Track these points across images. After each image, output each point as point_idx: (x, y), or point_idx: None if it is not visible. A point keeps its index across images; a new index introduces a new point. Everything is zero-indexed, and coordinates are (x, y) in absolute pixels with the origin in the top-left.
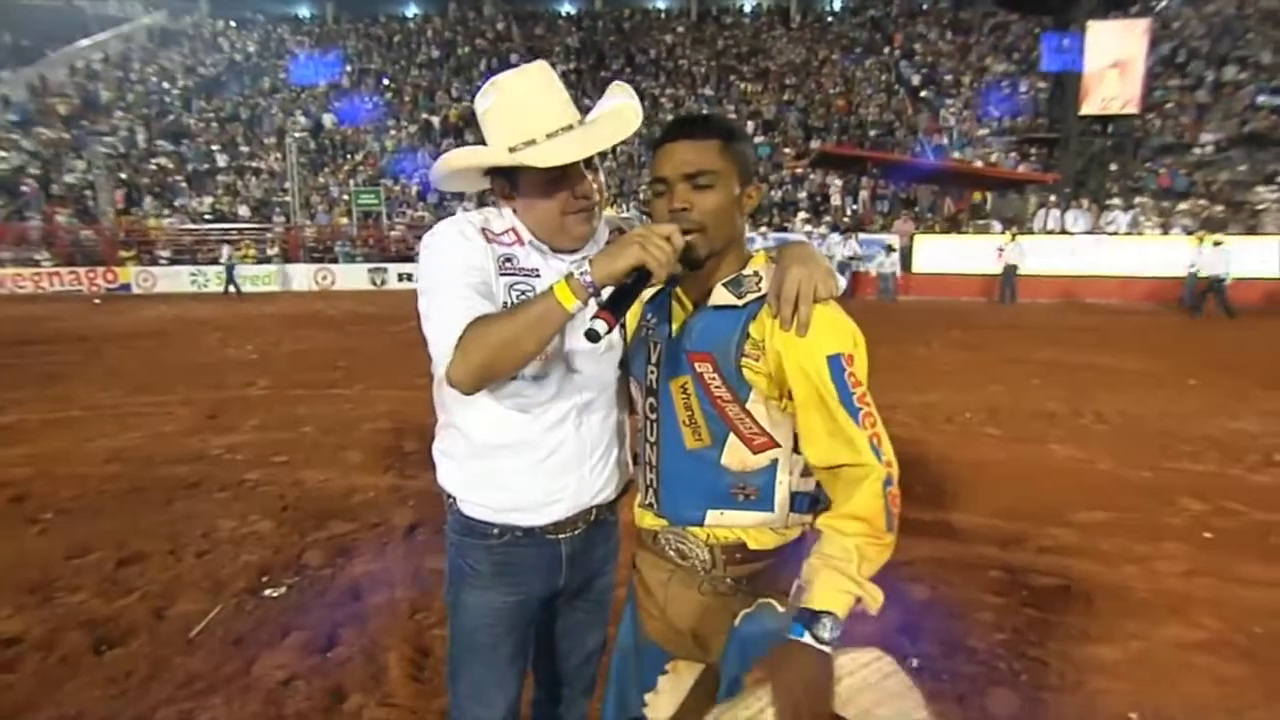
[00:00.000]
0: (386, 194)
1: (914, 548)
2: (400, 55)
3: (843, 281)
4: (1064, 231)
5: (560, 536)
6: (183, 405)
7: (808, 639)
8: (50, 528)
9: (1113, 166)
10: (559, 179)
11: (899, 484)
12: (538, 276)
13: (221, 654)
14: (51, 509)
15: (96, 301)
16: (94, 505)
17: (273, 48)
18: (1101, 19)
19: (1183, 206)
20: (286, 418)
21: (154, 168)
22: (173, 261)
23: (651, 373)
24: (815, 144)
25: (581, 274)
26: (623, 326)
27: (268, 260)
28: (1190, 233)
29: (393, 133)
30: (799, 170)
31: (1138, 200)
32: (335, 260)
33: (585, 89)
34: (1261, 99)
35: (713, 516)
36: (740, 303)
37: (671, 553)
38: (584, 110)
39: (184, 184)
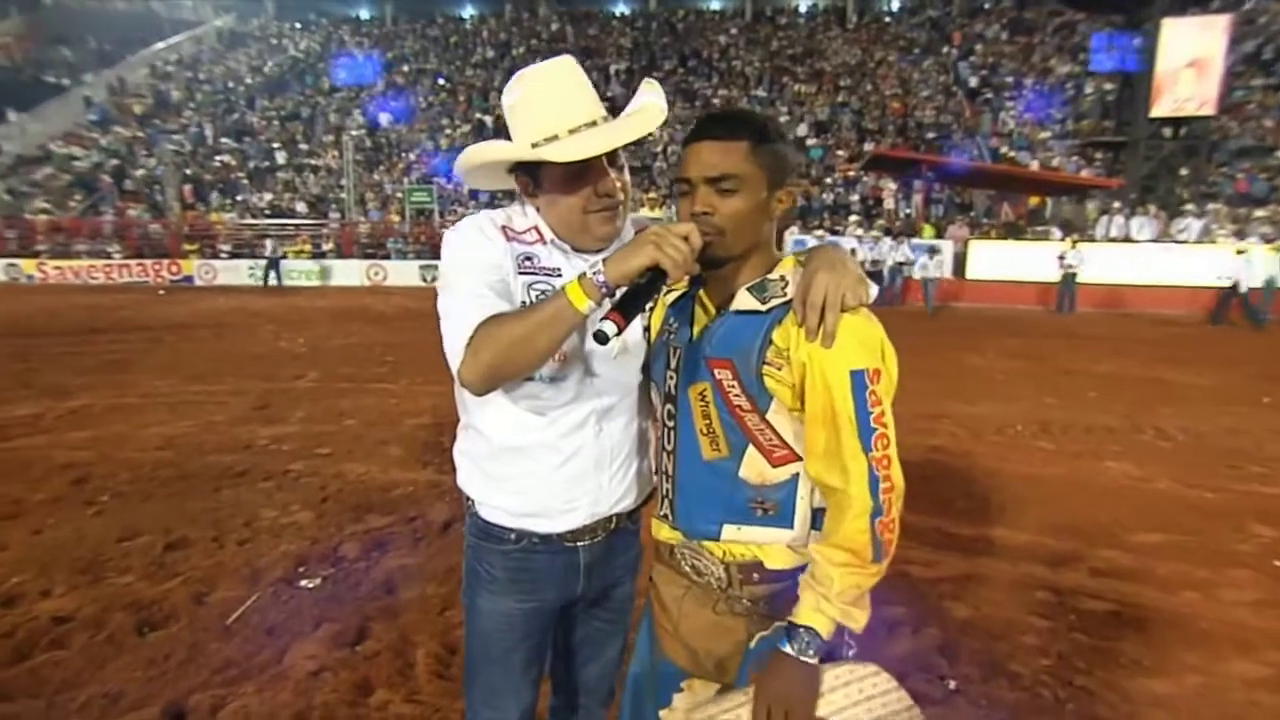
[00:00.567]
0: (439, 192)
1: (955, 564)
2: (456, 55)
3: (875, 289)
4: (1128, 239)
5: (579, 544)
6: (234, 395)
7: (789, 649)
8: (106, 510)
9: (1184, 171)
10: (581, 175)
11: (898, 510)
12: (559, 276)
13: (255, 642)
14: (108, 492)
15: (161, 293)
16: (146, 490)
17: (333, 48)
18: (1178, 16)
19: (1260, 213)
20: (332, 410)
21: (218, 164)
22: (232, 255)
23: (670, 378)
24: (869, 146)
25: (595, 273)
26: (647, 329)
27: (322, 255)
28: (1269, 241)
29: (447, 132)
30: (851, 173)
31: (1210, 206)
32: (388, 256)
33: (636, 89)
34: None
35: (729, 531)
36: (764, 308)
37: (687, 568)
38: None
39: (245, 180)
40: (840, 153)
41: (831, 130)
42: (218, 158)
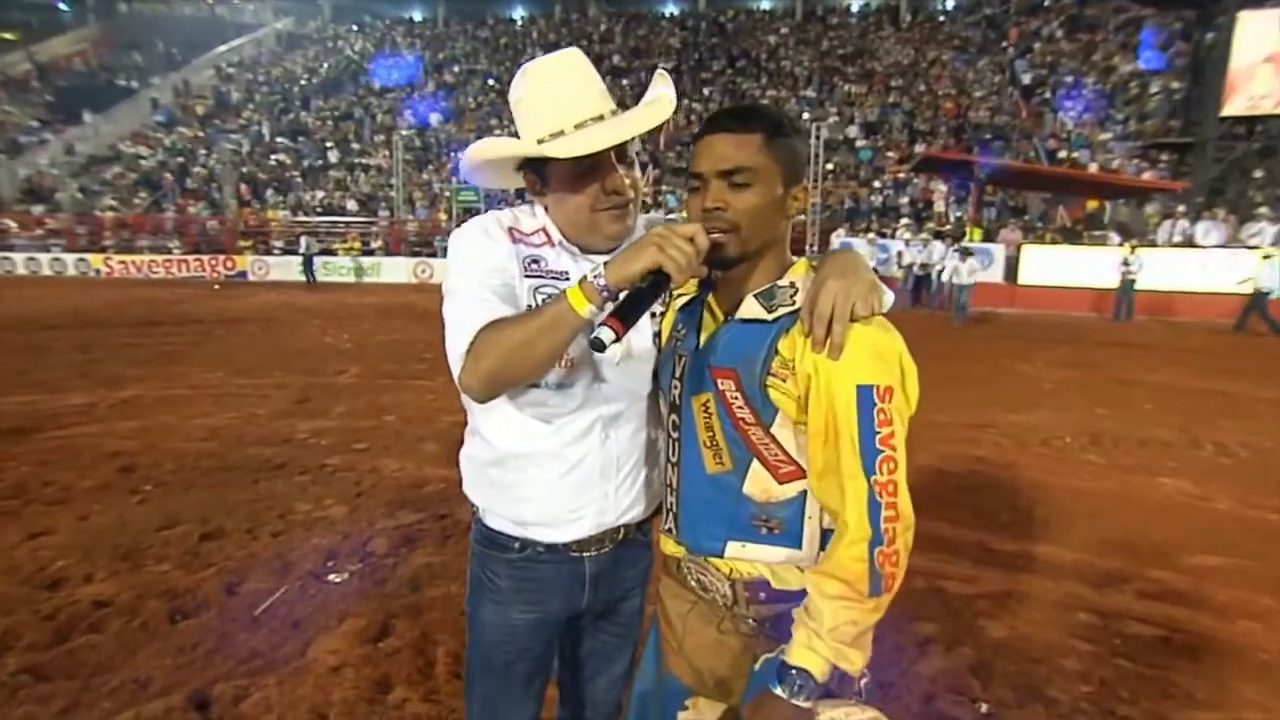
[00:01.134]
0: (485, 192)
1: (994, 580)
2: (506, 56)
3: (890, 297)
4: (1192, 244)
5: (584, 555)
6: (277, 389)
7: (779, 691)
8: (149, 499)
9: (1258, 173)
10: (589, 172)
11: (904, 542)
12: (566, 279)
13: (281, 634)
14: (152, 481)
15: (216, 287)
16: (187, 480)
17: (386, 50)
18: (1256, 8)
19: None
20: (372, 406)
21: (274, 163)
22: (285, 251)
23: (675, 387)
24: (920, 148)
25: (595, 277)
26: (657, 335)
27: (370, 253)
28: None
29: (496, 132)
30: (901, 175)
31: None
32: (434, 255)
33: (686, 90)
34: None
35: (733, 549)
36: (770, 317)
37: (693, 583)
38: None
39: (299, 179)
40: (890, 154)
41: (882, 131)
42: (273, 156)
